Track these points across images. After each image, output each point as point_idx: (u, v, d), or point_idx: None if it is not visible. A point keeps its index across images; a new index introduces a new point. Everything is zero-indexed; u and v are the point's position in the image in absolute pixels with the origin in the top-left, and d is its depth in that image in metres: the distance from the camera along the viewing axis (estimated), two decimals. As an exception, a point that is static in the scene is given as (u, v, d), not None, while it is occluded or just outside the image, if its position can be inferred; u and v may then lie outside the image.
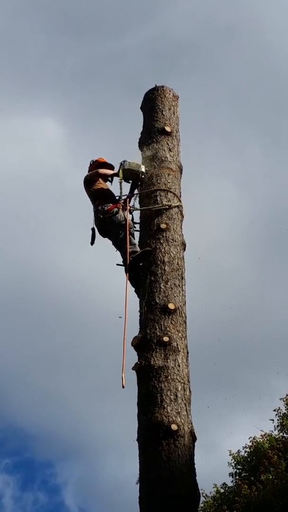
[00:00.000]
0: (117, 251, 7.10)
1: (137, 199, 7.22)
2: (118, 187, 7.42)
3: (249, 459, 17.40)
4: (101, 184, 7.67)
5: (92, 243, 7.39)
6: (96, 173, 7.73)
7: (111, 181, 7.92)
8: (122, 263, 6.89)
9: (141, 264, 6.57)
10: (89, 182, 7.74)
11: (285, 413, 17.42)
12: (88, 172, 7.97)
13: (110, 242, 7.30)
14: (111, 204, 7.35)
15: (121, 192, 7.35)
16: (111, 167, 7.90)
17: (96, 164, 7.98)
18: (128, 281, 6.63)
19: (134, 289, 6.69)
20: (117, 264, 6.99)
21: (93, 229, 7.44)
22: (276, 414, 17.54)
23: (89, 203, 7.71)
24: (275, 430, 17.60)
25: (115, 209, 7.27)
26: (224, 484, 17.23)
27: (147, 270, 6.40)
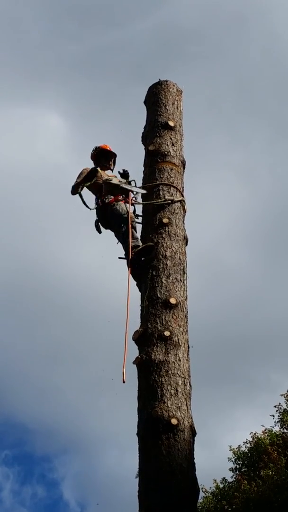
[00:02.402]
0: (119, 243, 7.11)
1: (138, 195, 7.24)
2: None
3: (249, 455, 17.45)
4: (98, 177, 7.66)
5: (99, 232, 7.37)
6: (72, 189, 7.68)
7: (112, 170, 7.93)
8: (124, 256, 6.90)
9: (143, 258, 6.57)
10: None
11: (285, 409, 17.46)
12: (91, 157, 7.97)
13: (111, 235, 7.30)
14: (112, 197, 7.35)
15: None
16: (112, 155, 7.88)
17: (98, 151, 7.94)
18: (130, 275, 6.63)
19: (135, 283, 6.70)
20: (119, 258, 7.00)
21: (97, 221, 7.43)
22: (277, 410, 17.59)
23: (90, 196, 7.71)
24: (275, 425, 17.66)
25: (116, 201, 7.27)
26: (224, 479, 17.28)
27: (148, 264, 6.40)
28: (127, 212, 7.10)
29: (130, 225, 6.91)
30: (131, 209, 7.22)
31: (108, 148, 7.95)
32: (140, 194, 7.18)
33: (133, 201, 7.25)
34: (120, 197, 7.33)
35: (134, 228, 7.05)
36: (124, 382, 5.87)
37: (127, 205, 7.20)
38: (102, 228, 7.40)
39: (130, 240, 6.77)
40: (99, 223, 7.40)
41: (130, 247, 6.70)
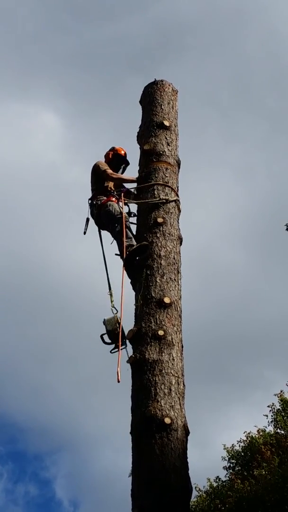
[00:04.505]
0: (114, 241, 7.16)
1: (135, 192, 7.27)
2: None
3: (243, 454, 17.49)
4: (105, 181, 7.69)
5: (84, 232, 7.43)
6: (105, 174, 7.64)
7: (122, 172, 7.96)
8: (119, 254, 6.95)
9: (137, 258, 6.58)
10: (94, 173, 7.76)
11: (279, 409, 17.52)
12: (104, 158, 7.98)
13: (106, 235, 7.36)
14: (105, 198, 7.40)
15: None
16: (124, 162, 7.90)
17: (112, 154, 7.96)
18: (125, 273, 6.66)
19: (130, 281, 6.73)
20: (116, 254, 7.04)
21: (87, 219, 7.49)
22: (270, 410, 17.64)
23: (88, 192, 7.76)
24: (269, 425, 17.71)
25: (109, 202, 7.32)
26: (218, 477, 17.31)
27: (143, 263, 6.42)
28: (121, 212, 7.13)
29: (124, 225, 6.93)
30: (125, 209, 7.27)
31: (123, 153, 7.97)
32: (134, 194, 7.24)
33: (126, 201, 7.29)
34: (113, 198, 7.37)
35: (128, 227, 7.07)
36: (119, 381, 5.88)
37: (120, 204, 7.24)
38: (92, 229, 7.48)
39: (124, 239, 6.78)
40: (89, 222, 7.47)
41: (124, 246, 6.72)
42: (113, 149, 8.03)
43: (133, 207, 7.34)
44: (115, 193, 7.44)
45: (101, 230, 7.46)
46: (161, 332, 5.87)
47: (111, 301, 6.94)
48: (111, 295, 7.00)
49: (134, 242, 6.76)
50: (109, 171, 7.65)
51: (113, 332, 6.60)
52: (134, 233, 7.01)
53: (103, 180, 7.60)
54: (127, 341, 6.26)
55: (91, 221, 7.52)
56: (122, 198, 7.27)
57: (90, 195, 7.66)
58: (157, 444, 5.32)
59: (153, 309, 6.06)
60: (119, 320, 6.62)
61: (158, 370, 5.67)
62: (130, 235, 6.96)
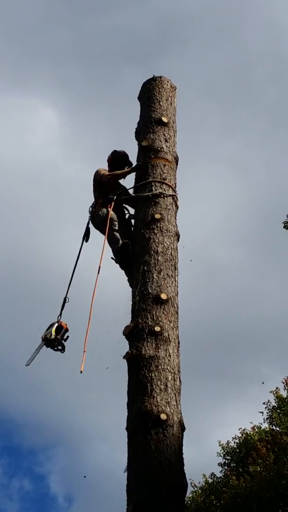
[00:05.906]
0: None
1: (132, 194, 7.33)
2: None
3: (238, 450, 17.51)
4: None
5: (86, 240, 7.54)
6: (102, 178, 7.64)
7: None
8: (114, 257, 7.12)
9: (127, 256, 6.74)
10: (94, 180, 7.79)
11: (274, 406, 17.54)
12: (107, 160, 7.98)
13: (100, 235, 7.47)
14: (97, 205, 7.49)
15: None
16: (128, 164, 7.85)
17: (113, 157, 7.94)
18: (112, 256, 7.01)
19: (127, 278, 6.77)
20: (112, 258, 7.14)
21: (87, 229, 7.57)
22: (266, 407, 17.67)
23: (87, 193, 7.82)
24: (264, 422, 17.73)
25: (100, 209, 7.40)
26: (213, 474, 17.35)
27: (140, 259, 6.43)
28: (106, 215, 7.23)
29: (108, 229, 7.07)
30: (123, 211, 7.40)
31: (123, 153, 7.91)
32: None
33: (119, 199, 7.40)
34: (100, 200, 7.46)
35: (116, 231, 7.17)
36: (81, 372, 6.00)
37: (109, 209, 7.29)
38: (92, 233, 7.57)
39: (104, 244, 7.02)
40: (90, 230, 7.57)
41: (114, 251, 6.93)
42: (114, 152, 8.00)
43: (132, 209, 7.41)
44: (107, 198, 7.45)
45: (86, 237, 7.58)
46: (157, 328, 5.88)
47: (62, 308, 7.10)
48: (66, 300, 7.17)
49: (120, 244, 6.95)
50: (106, 173, 7.63)
51: (51, 341, 6.87)
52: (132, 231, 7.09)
53: (102, 186, 7.60)
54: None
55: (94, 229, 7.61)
56: (112, 205, 7.32)
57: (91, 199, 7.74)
58: (152, 440, 5.33)
59: (150, 305, 6.06)
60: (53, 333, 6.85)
61: (155, 366, 5.68)
62: (118, 237, 7.10)
